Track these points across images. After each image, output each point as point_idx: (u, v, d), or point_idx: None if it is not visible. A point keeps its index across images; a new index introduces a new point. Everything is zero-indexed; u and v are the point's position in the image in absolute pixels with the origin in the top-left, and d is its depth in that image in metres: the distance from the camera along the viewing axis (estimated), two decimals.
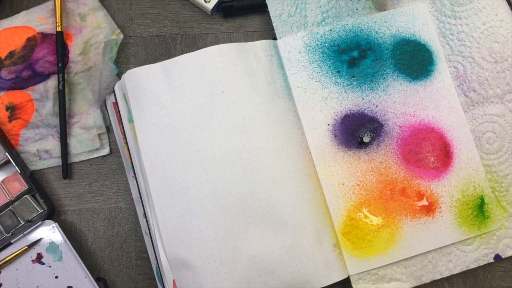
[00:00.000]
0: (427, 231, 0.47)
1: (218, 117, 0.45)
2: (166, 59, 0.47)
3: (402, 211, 0.47)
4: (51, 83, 0.50)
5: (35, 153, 0.49)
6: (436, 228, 0.47)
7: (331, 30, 0.50)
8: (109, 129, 0.51)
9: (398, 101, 0.49)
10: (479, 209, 0.48)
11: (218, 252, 0.44)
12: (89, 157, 0.50)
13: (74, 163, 0.50)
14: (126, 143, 0.48)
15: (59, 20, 0.49)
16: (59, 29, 0.49)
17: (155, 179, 0.45)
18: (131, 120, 0.47)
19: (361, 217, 0.47)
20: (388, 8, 0.51)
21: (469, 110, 0.50)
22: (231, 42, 0.52)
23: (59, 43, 0.49)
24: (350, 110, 0.49)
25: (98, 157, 0.50)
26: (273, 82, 0.48)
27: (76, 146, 0.49)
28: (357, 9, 0.51)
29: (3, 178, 0.48)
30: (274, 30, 0.50)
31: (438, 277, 0.47)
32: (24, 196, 0.47)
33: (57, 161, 0.49)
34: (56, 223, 0.47)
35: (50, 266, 0.46)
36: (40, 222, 0.46)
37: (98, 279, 0.48)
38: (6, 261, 0.46)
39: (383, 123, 0.49)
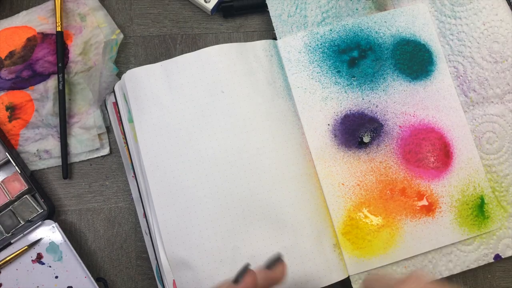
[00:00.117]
0: (427, 231, 0.47)
1: (218, 117, 0.45)
2: (166, 59, 0.47)
3: (402, 211, 0.47)
4: (51, 83, 0.50)
5: (35, 153, 0.49)
6: (436, 228, 0.47)
7: (331, 30, 0.50)
8: (109, 129, 0.50)
9: (398, 101, 0.49)
10: (479, 209, 0.48)
11: (218, 252, 0.44)
12: (89, 157, 0.50)
13: (74, 163, 0.50)
14: (126, 143, 0.48)
15: (59, 20, 0.49)
16: (59, 29, 0.49)
17: (155, 179, 0.45)
18: (131, 120, 0.47)
19: (361, 217, 0.47)
20: (388, 8, 0.51)
21: (469, 110, 0.50)
22: (231, 42, 0.52)
23: (59, 43, 0.49)
24: (350, 110, 0.49)
25: (98, 157, 0.50)
26: (273, 82, 0.48)
27: (76, 146, 0.49)
28: (357, 9, 0.51)
29: (3, 178, 0.48)
30: (274, 30, 0.50)
31: (438, 277, 0.47)
32: (24, 196, 0.47)
33: (57, 161, 0.49)
34: (56, 223, 0.46)
35: (50, 266, 0.46)
36: (40, 222, 0.46)
37: (98, 279, 0.48)
38: (6, 261, 0.46)
39: (383, 123, 0.49)
